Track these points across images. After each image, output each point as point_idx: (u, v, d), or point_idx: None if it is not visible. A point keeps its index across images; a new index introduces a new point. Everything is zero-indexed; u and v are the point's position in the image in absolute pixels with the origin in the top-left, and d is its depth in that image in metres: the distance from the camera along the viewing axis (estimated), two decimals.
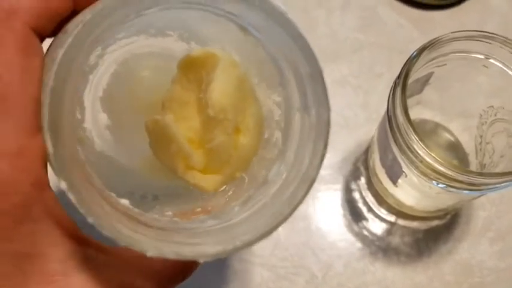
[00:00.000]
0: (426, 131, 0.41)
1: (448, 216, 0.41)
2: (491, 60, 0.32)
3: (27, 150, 0.16)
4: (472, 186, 0.29)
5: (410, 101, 0.31)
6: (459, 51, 0.32)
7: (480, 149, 0.38)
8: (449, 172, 0.29)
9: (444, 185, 0.30)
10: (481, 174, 0.28)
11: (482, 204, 0.41)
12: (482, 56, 0.32)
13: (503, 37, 0.31)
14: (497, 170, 0.35)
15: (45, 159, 0.16)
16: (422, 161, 0.29)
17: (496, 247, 0.40)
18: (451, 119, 0.41)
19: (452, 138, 0.41)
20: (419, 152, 0.29)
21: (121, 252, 0.18)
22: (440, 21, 0.46)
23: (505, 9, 0.47)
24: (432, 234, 0.41)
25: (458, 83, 0.36)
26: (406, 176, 0.34)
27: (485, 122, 0.37)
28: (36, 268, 0.17)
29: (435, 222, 0.41)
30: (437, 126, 0.42)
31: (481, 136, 0.38)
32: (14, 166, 0.16)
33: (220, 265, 0.39)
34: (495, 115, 0.35)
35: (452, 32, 0.31)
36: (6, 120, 0.16)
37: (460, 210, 0.41)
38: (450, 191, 0.31)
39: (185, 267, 0.20)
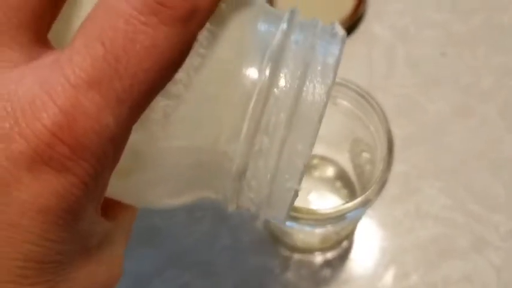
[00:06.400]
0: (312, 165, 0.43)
1: (344, 245, 0.42)
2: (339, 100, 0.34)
3: None
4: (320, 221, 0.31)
5: None
6: None
7: (359, 177, 0.40)
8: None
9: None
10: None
11: (376, 231, 0.42)
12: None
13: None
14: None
15: None
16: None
17: (391, 271, 0.41)
18: (335, 152, 0.42)
19: (338, 169, 0.43)
20: None
21: None
22: None
23: (388, 38, 0.49)
24: (329, 265, 0.41)
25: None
26: None
27: (357, 153, 0.38)
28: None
29: (330, 254, 0.42)
30: (323, 159, 0.43)
31: (358, 166, 0.39)
32: None
33: None
34: (359, 146, 0.37)
35: None
36: None
37: (353, 240, 0.42)
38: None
39: None
